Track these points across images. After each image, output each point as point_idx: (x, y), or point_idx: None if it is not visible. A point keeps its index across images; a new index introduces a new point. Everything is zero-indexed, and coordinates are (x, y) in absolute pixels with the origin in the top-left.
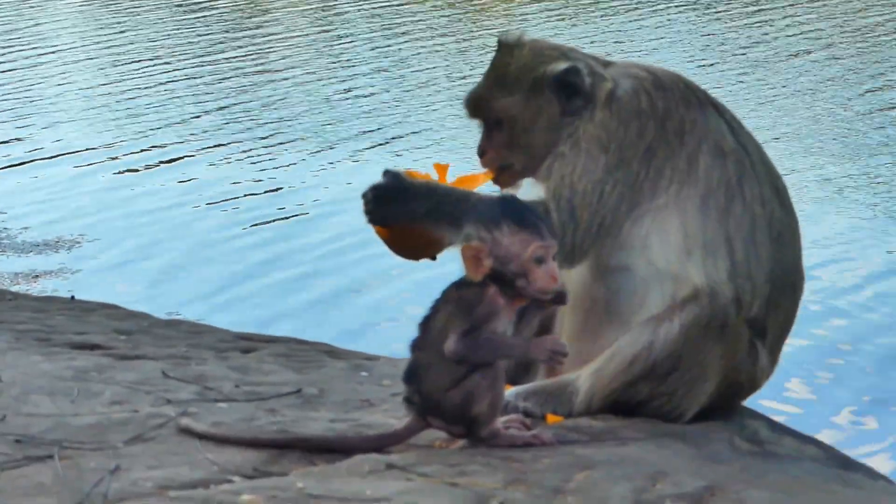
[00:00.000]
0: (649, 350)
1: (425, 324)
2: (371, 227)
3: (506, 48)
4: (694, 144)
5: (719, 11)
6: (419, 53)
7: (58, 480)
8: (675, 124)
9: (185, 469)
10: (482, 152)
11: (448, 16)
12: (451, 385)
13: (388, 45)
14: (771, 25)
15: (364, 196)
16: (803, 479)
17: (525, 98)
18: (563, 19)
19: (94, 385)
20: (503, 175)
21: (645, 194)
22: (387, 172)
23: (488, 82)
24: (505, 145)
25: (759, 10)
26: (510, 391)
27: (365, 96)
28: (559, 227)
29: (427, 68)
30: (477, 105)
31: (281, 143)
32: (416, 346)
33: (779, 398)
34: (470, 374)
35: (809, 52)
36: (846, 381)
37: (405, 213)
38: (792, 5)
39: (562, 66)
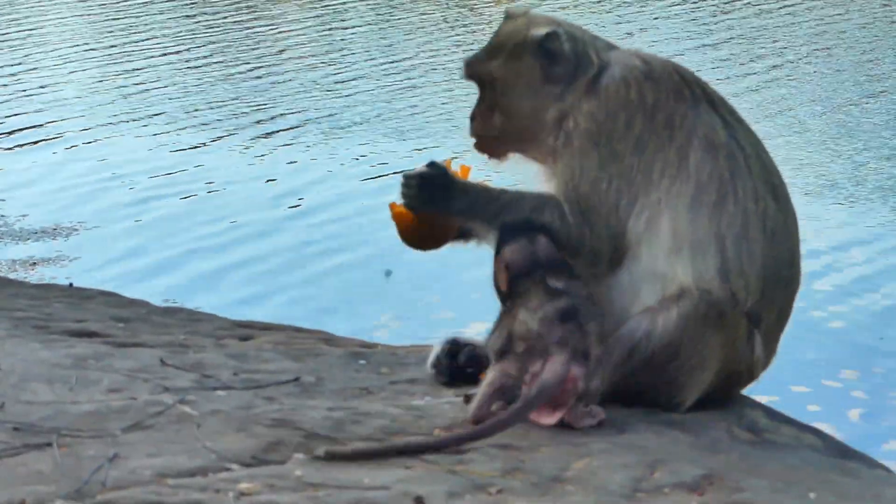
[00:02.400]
0: (647, 339)
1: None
2: (391, 209)
3: (507, 18)
4: (684, 138)
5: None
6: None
7: (56, 468)
8: (665, 117)
9: (184, 457)
10: (472, 117)
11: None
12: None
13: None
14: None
15: (407, 180)
16: (801, 467)
17: (507, 61)
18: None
19: (92, 373)
20: (484, 142)
21: (640, 188)
22: (432, 164)
23: (485, 47)
24: (489, 109)
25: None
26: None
27: (280, 83)
28: (577, 236)
29: (323, 53)
30: (469, 66)
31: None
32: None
33: (778, 389)
34: None
35: (828, 48)
36: (845, 370)
37: (444, 205)
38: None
39: (543, 31)
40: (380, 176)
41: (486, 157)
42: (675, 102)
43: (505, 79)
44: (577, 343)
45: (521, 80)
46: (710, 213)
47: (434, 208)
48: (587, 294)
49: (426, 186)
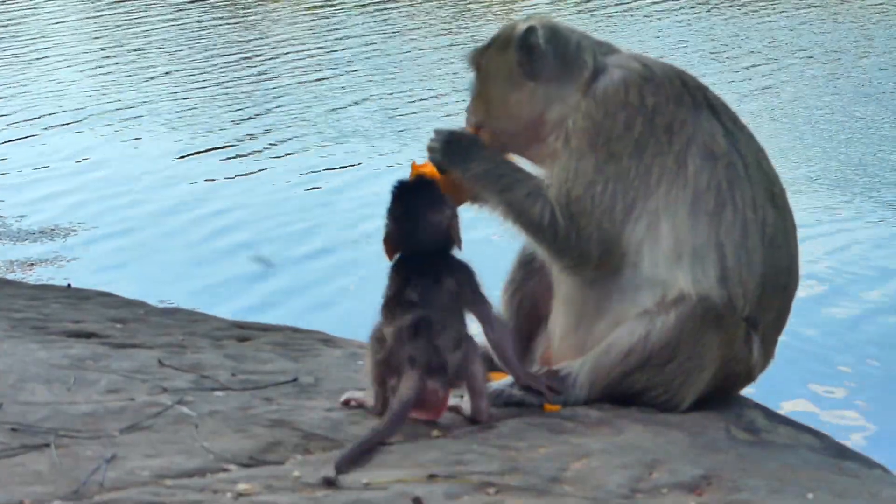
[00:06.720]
0: (646, 340)
1: (433, 284)
2: (412, 168)
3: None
4: (682, 144)
5: (749, 9)
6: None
7: (54, 469)
8: (665, 121)
9: (182, 457)
10: (468, 108)
11: None
12: (455, 344)
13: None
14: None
15: (437, 134)
16: (799, 467)
17: (494, 53)
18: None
19: (90, 373)
20: (480, 133)
21: (638, 192)
22: (464, 129)
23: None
24: (478, 99)
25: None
26: (507, 380)
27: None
28: (564, 236)
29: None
30: (470, 55)
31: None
32: (423, 303)
33: (778, 388)
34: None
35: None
36: (843, 368)
37: (463, 166)
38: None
39: (524, 26)
40: (372, 175)
41: None
42: (675, 107)
43: (489, 69)
44: (429, 358)
45: (502, 72)
46: (708, 221)
47: (452, 166)
48: (447, 300)
49: (453, 143)
